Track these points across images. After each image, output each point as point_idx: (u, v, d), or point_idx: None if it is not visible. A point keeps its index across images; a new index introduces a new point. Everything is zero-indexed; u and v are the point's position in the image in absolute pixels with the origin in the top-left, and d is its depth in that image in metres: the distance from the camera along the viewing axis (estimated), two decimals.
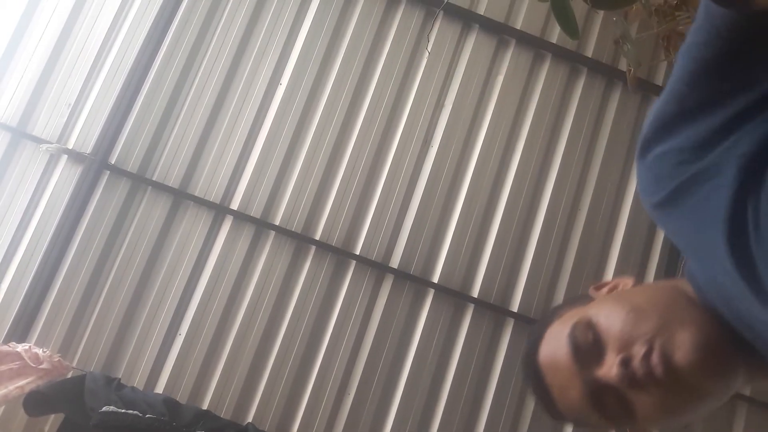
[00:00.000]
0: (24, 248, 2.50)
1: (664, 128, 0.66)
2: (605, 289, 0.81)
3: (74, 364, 2.42)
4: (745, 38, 0.58)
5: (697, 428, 2.58)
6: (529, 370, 0.79)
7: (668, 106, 0.66)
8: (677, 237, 0.71)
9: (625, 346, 0.68)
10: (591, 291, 0.82)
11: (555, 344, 0.75)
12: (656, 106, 0.68)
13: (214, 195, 2.61)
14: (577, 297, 0.83)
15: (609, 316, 0.71)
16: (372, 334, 2.57)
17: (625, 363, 0.67)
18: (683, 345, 0.65)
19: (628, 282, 0.79)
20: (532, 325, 0.84)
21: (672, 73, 0.66)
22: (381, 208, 2.66)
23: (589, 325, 0.72)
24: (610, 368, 0.69)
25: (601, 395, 0.71)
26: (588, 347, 0.71)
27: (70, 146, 2.58)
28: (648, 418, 0.70)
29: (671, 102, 0.66)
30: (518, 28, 2.82)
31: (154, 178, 2.58)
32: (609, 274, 2.69)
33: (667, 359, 0.65)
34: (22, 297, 2.44)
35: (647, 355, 0.66)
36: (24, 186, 2.54)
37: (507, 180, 2.74)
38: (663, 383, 0.65)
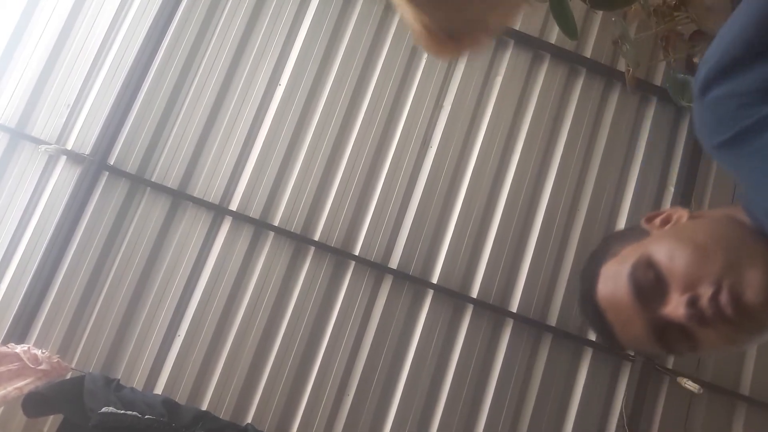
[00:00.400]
0: (23, 249, 2.50)
1: (725, 71, 0.67)
2: (658, 221, 0.80)
3: (73, 365, 2.42)
4: None
5: (697, 428, 2.59)
6: (588, 308, 0.80)
7: (732, 50, 0.66)
8: (740, 176, 0.71)
9: (691, 285, 0.68)
10: (643, 223, 0.81)
11: (615, 283, 0.75)
12: (718, 49, 0.68)
13: (213, 195, 2.61)
14: (630, 230, 0.82)
15: (671, 255, 0.71)
16: (371, 335, 2.57)
17: (693, 303, 0.68)
18: (752, 284, 0.66)
19: (683, 214, 0.78)
20: (586, 262, 0.83)
21: (734, 18, 0.66)
22: (380, 209, 2.66)
23: (650, 264, 0.72)
24: (676, 307, 0.69)
25: (665, 331, 0.72)
26: (650, 286, 0.72)
27: (69, 147, 2.57)
28: (711, 348, 0.72)
29: (735, 47, 0.66)
30: (517, 28, 2.82)
31: (153, 179, 2.58)
32: None
33: (736, 299, 0.66)
34: (21, 297, 2.44)
35: (715, 295, 0.66)
36: (23, 187, 2.54)
37: (506, 180, 2.74)
38: (732, 321, 0.66)
